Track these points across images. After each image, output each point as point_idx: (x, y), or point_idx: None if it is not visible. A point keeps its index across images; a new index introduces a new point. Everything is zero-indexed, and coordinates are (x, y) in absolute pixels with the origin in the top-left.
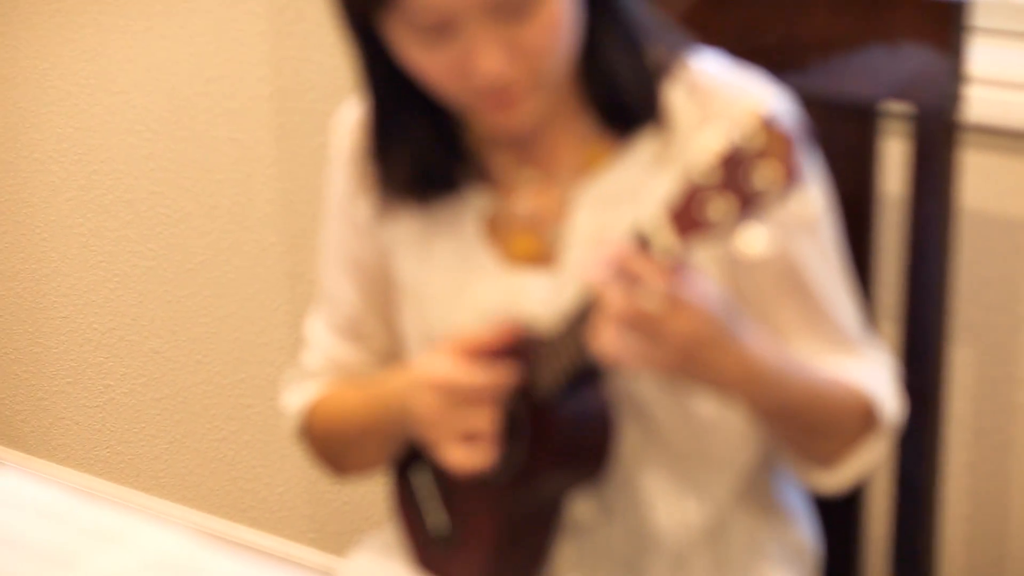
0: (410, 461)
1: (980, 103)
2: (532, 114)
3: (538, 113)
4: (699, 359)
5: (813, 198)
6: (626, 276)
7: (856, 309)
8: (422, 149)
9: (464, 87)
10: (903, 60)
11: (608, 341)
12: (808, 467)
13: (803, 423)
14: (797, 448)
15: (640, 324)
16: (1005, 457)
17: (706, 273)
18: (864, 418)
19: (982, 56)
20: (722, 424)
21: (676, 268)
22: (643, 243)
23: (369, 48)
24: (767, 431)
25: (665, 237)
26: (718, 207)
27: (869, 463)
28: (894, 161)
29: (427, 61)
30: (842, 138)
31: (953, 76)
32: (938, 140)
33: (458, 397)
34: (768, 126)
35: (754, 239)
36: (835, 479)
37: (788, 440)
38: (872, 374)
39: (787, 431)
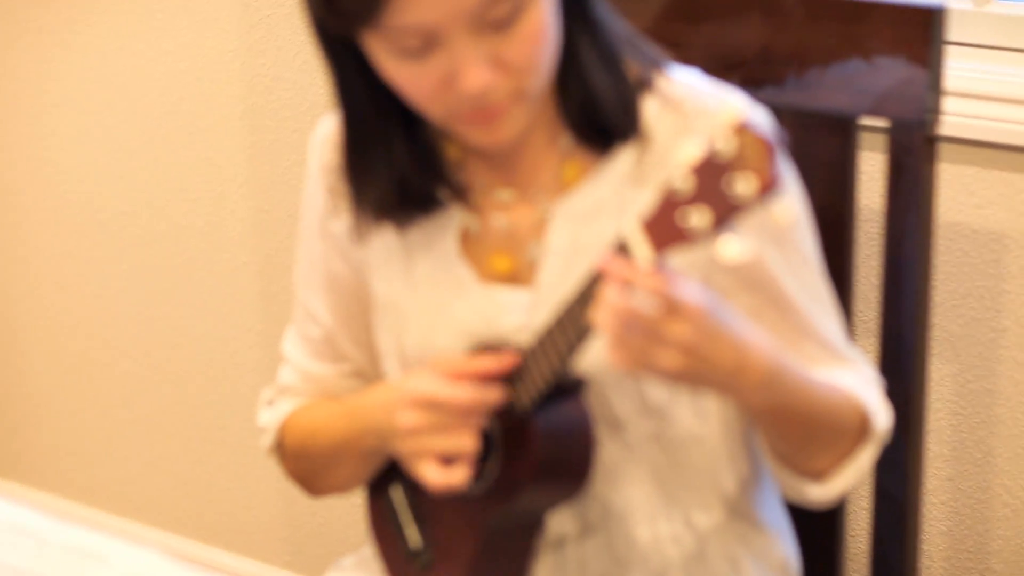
0: (387, 479)
1: (956, 116)
2: (516, 128)
3: (522, 127)
4: (703, 357)
5: (789, 207)
6: (618, 283)
7: (839, 320)
8: (400, 168)
9: (448, 102)
10: (879, 73)
11: (612, 351)
12: (801, 480)
13: (802, 425)
14: (795, 456)
15: (640, 328)
16: (985, 472)
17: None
18: (859, 425)
19: (958, 69)
20: (699, 442)
21: (660, 272)
22: (622, 254)
23: (346, 66)
24: (767, 438)
25: (642, 247)
26: (694, 216)
27: (860, 474)
28: (870, 174)
29: (410, 77)
30: (819, 151)
31: (929, 89)
32: (915, 153)
33: (440, 415)
34: (744, 133)
35: (731, 247)
36: (826, 491)
37: (787, 447)
38: (861, 383)
39: (787, 434)
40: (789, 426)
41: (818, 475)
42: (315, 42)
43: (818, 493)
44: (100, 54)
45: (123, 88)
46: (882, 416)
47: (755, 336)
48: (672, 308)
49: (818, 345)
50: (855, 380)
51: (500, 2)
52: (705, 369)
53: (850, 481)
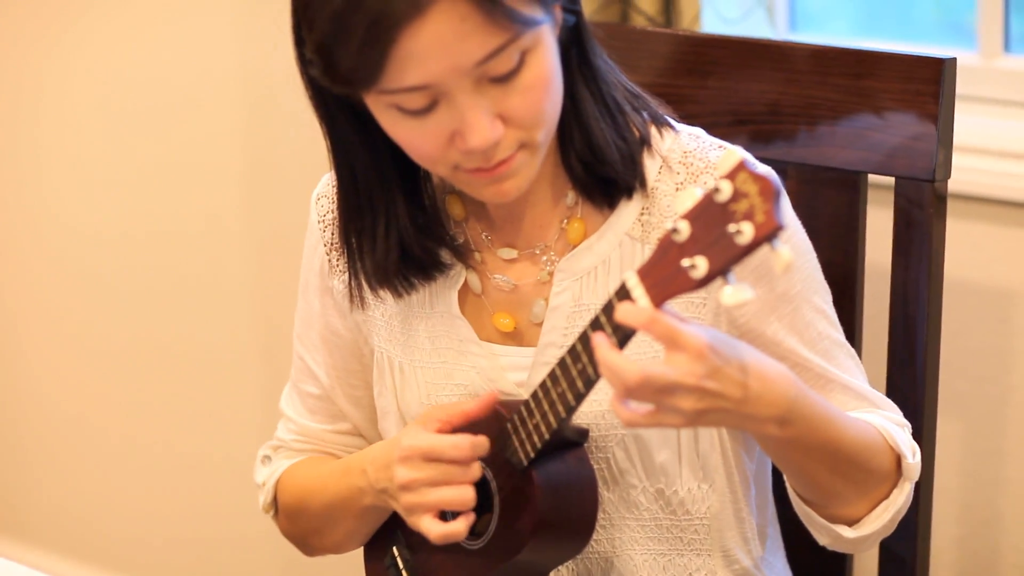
0: (385, 538)
1: (963, 171)
2: (524, 181)
3: (529, 179)
4: (711, 392)
5: (790, 250)
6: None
7: (860, 365)
8: (401, 233)
9: (454, 158)
10: (889, 128)
11: (623, 406)
12: (835, 525)
13: (831, 463)
14: (827, 501)
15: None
16: (993, 531)
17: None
18: (893, 467)
19: (965, 124)
20: (703, 503)
21: (659, 316)
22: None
23: (343, 129)
24: (797, 482)
25: (642, 297)
26: (693, 262)
27: (896, 515)
28: (879, 231)
29: (415, 135)
30: (828, 207)
31: (938, 144)
32: (924, 209)
33: (436, 468)
34: (743, 178)
35: (730, 292)
36: (860, 531)
37: (817, 490)
38: (890, 424)
39: (815, 473)
40: (816, 463)
41: (853, 522)
42: (312, 105)
43: (851, 534)
44: (99, 104)
45: (122, 140)
46: (914, 459)
47: (770, 368)
48: (673, 347)
49: (841, 391)
50: (884, 422)
51: (502, 57)
52: (716, 405)
53: (884, 522)
